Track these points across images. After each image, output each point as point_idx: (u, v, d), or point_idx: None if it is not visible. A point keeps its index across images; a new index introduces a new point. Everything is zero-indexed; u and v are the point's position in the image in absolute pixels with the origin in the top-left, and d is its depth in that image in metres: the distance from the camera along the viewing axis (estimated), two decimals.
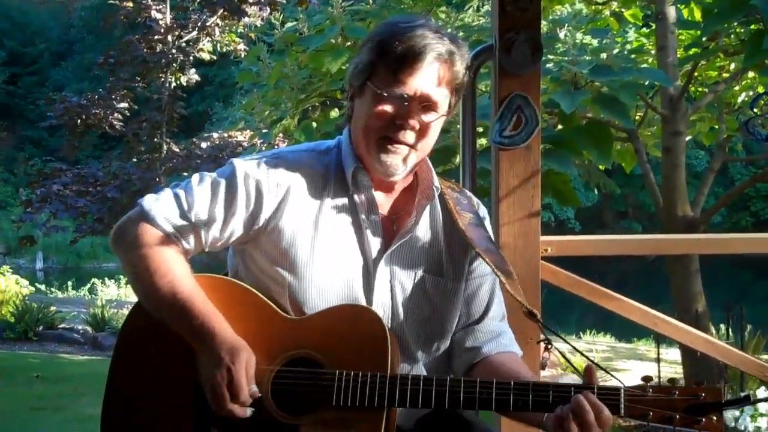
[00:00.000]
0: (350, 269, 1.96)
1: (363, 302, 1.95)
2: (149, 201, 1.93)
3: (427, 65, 1.88)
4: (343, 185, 1.99)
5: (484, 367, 2.04)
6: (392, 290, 1.99)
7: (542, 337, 1.90)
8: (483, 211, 2.16)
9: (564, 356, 1.92)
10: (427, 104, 1.91)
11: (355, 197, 1.98)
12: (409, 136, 1.91)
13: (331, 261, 1.94)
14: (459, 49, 1.93)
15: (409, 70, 1.87)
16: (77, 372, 8.69)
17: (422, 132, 1.92)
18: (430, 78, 1.89)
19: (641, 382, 1.73)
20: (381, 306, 1.96)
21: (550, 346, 1.88)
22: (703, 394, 1.69)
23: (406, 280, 2.00)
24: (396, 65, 1.87)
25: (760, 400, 3.71)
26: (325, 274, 1.93)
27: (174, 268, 1.89)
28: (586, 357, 1.95)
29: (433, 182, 2.04)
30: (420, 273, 2.02)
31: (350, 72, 1.99)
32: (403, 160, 1.93)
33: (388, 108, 1.89)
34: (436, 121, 1.94)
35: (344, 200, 1.98)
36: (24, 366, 8.99)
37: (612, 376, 1.87)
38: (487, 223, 2.14)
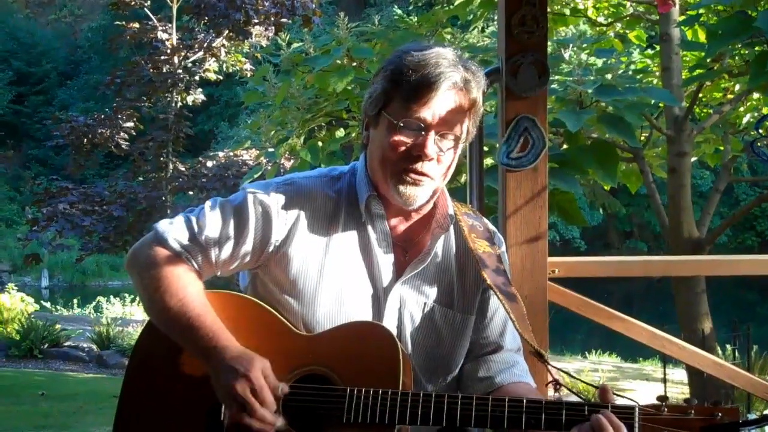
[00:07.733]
0: (360, 297, 1.94)
1: None
2: (163, 224, 1.96)
3: (442, 94, 1.83)
4: (356, 212, 1.97)
5: (499, 395, 1.99)
6: (401, 319, 1.97)
7: (550, 378, 1.88)
8: (499, 238, 2.11)
9: (571, 387, 1.90)
10: (443, 133, 1.87)
11: (368, 225, 1.96)
12: (426, 166, 1.86)
13: (340, 289, 1.93)
14: (474, 75, 1.90)
15: (423, 99, 1.83)
16: (82, 390, 8.69)
17: (440, 161, 1.89)
18: (445, 106, 1.85)
19: (656, 401, 1.71)
20: None
21: (559, 387, 1.86)
22: (720, 414, 1.66)
23: (416, 310, 1.98)
24: (410, 94, 1.83)
25: None
26: (333, 302, 1.92)
27: (184, 287, 1.89)
28: (593, 386, 1.92)
29: (447, 211, 2.00)
30: (430, 303, 1.99)
31: (364, 101, 1.95)
32: (422, 190, 1.89)
33: (404, 138, 1.85)
34: (453, 149, 1.91)
35: (355, 227, 1.96)
36: (29, 384, 8.98)
37: (623, 397, 1.84)
38: (503, 251, 2.09)
